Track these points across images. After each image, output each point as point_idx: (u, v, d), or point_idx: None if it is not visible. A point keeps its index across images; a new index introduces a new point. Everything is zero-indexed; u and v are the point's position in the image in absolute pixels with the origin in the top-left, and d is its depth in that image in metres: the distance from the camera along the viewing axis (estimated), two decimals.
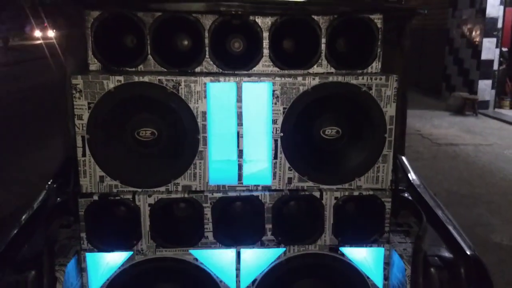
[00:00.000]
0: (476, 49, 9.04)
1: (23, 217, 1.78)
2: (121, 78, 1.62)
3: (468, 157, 6.26)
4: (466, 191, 5.01)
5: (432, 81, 11.12)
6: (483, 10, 8.76)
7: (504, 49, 9.39)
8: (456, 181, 5.35)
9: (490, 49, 8.89)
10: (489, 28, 8.78)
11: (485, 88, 9.03)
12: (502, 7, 8.73)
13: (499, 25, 8.77)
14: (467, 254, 1.62)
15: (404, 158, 2.16)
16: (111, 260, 1.80)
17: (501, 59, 9.31)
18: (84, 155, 1.66)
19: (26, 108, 9.59)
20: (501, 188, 5.14)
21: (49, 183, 1.96)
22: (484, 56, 8.92)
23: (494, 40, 8.84)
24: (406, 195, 2.02)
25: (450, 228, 1.73)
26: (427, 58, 11.70)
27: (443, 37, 10.32)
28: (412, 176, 2.09)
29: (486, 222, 4.24)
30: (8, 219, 4.51)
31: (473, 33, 9.15)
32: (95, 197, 1.69)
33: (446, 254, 1.67)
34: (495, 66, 8.99)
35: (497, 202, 4.72)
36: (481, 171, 5.72)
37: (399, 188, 2.04)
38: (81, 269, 1.74)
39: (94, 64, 1.71)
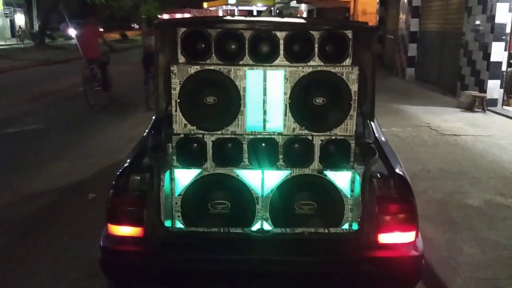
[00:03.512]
0: (486, 51, 9.93)
1: (136, 147, 3.05)
2: (197, 67, 2.84)
3: (466, 145, 7.20)
4: (455, 169, 5.99)
5: (450, 80, 11.97)
6: (493, 16, 9.65)
7: None
8: (449, 162, 6.33)
9: (499, 52, 9.75)
10: (498, 32, 9.64)
11: (494, 87, 9.88)
12: (510, 14, 9.60)
13: (508, 30, 9.63)
14: (396, 172, 2.76)
15: (373, 123, 3.30)
16: (189, 174, 3.01)
17: (511, 61, 10.16)
18: (176, 111, 2.88)
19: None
20: (487, 168, 6.08)
21: (146, 131, 3.22)
22: (494, 58, 9.77)
23: (503, 44, 9.70)
24: (372, 145, 3.17)
25: (392, 160, 2.88)
26: (446, 59, 12.58)
27: (460, 40, 11.22)
28: (377, 134, 3.23)
29: (464, 191, 5.24)
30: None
31: (484, 37, 10.05)
32: (182, 136, 2.91)
33: (385, 173, 2.81)
34: (504, 67, 9.86)
35: (478, 178, 5.67)
36: (474, 155, 6.66)
37: (368, 141, 3.19)
38: (172, 179, 2.97)
39: (181, 59, 2.93)
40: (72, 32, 32.51)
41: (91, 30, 9.99)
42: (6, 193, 5.36)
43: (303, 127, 2.91)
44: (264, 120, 2.92)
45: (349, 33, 2.86)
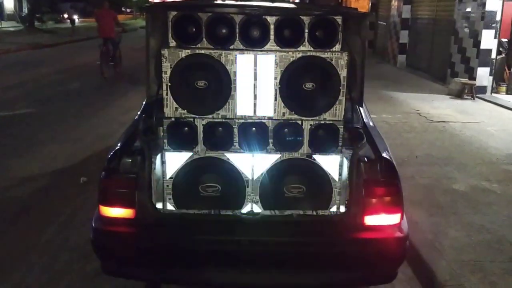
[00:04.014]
0: (477, 39, 10.00)
1: (127, 130, 3.08)
2: (188, 51, 2.86)
3: (454, 131, 7.31)
4: (442, 156, 6.09)
5: (440, 68, 12.05)
6: (484, 3, 9.70)
7: (504, 40, 10.32)
8: (437, 148, 6.44)
9: (489, 40, 9.83)
10: (488, 20, 9.71)
11: (483, 75, 9.98)
12: (501, 1, 9.66)
13: (498, 17, 9.70)
14: (382, 156, 2.82)
15: (362, 108, 3.35)
16: (180, 157, 3.05)
17: (501, 48, 10.25)
18: (167, 94, 2.91)
19: None
20: (474, 154, 6.20)
21: (138, 114, 3.25)
22: (483, 45, 9.86)
23: (493, 31, 9.78)
24: (360, 130, 3.23)
25: (379, 145, 2.93)
26: (437, 46, 12.65)
27: (451, 27, 11.28)
28: (365, 119, 3.28)
29: (451, 176, 5.35)
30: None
31: (474, 24, 10.12)
32: (173, 119, 2.94)
33: (372, 157, 2.87)
34: (493, 55, 9.94)
35: (465, 163, 5.78)
36: (462, 142, 6.77)
37: (356, 126, 3.25)
38: (163, 162, 3.00)
39: (172, 43, 2.94)
40: (76, 16, 32.56)
41: (108, 13, 11.86)
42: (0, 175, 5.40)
43: (293, 112, 2.95)
44: (255, 105, 2.96)
45: (338, 19, 2.89)
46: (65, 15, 30.23)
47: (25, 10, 33.84)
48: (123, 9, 49.52)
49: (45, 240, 3.96)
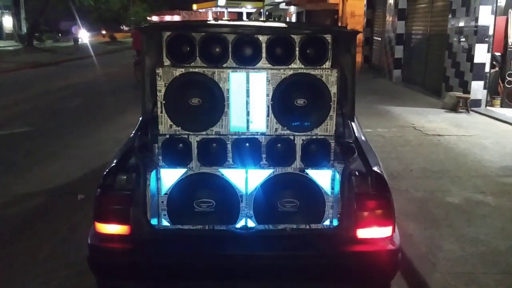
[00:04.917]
0: (470, 53, 10.13)
1: (123, 147, 3.14)
2: (182, 69, 2.94)
3: (449, 145, 7.37)
4: (437, 168, 6.14)
5: (435, 82, 12.17)
6: (476, 18, 9.85)
7: (497, 54, 10.45)
8: (431, 161, 6.49)
9: (482, 54, 9.95)
10: (481, 34, 9.85)
11: (477, 88, 10.07)
12: (493, 16, 9.81)
13: (491, 32, 9.85)
14: (373, 170, 2.88)
15: (353, 123, 3.42)
16: (174, 173, 3.10)
17: (494, 62, 10.38)
18: (161, 112, 2.98)
19: None
20: (468, 167, 6.24)
21: (133, 131, 3.31)
22: (477, 59, 9.97)
23: (486, 45, 9.91)
24: (352, 145, 3.29)
25: (370, 159, 2.99)
26: (431, 61, 12.79)
27: (445, 42, 11.43)
28: (357, 134, 3.35)
29: (446, 189, 5.40)
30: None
31: (468, 38, 10.26)
32: (167, 136, 3.01)
33: (363, 170, 2.93)
34: (487, 68, 10.06)
35: (460, 177, 5.83)
36: (456, 155, 6.83)
37: (348, 140, 3.31)
38: (158, 178, 3.06)
39: (166, 62, 3.02)
40: (83, 34, 33.21)
41: (137, 32, 13.86)
42: None
43: (285, 127, 3.02)
44: (248, 121, 3.03)
45: (328, 37, 2.98)
46: (77, 34, 30.81)
47: (24, 29, 34.13)
48: (121, 27, 50.00)
49: (44, 256, 3.99)
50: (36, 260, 3.91)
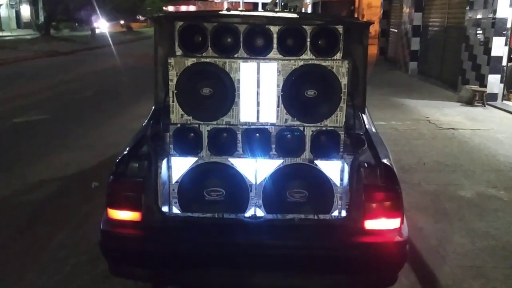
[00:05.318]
0: (487, 46, 9.97)
1: (136, 136, 3.18)
2: (194, 59, 2.97)
3: (463, 138, 7.30)
4: (450, 162, 6.09)
5: (451, 75, 12.02)
6: (494, 10, 9.69)
7: None
8: (445, 155, 6.43)
9: (499, 47, 9.79)
10: (499, 27, 9.69)
11: (494, 82, 9.93)
12: (511, 9, 9.65)
13: (508, 25, 9.67)
14: (382, 162, 2.88)
15: (364, 115, 3.41)
16: (185, 162, 3.14)
17: (511, 56, 10.20)
18: (173, 101, 3.01)
19: None
20: (482, 161, 6.18)
21: (146, 121, 3.36)
22: (494, 53, 9.82)
23: (504, 38, 9.75)
24: (362, 136, 3.29)
25: (380, 151, 2.99)
26: (448, 53, 12.64)
27: (462, 34, 11.27)
28: (367, 125, 3.34)
29: (458, 183, 5.36)
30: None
31: (485, 31, 10.10)
32: (178, 125, 3.04)
33: (372, 162, 2.93)
34: (504, 62, 9.91)
35: (473, 171, 5.77)
36: (470, 149, 6.76)
37: (358, 132, 3.31)
38: (169, 167, 3.10)
39: (179, 51, 3.05)
40: (101, 23, 33.70)
41: None
42: (14, 181, 5.54)
43: (295, 118, 3.03)
44: (258, 111, 3.04)
45: (340, 28, 2.97)
46: (94, 23, 31.28)
47: (41, 18, 34.46)
48: (137, 17, 50.18)
49: (57, 243, 4.08)
50: (49, 247, 4.01)
